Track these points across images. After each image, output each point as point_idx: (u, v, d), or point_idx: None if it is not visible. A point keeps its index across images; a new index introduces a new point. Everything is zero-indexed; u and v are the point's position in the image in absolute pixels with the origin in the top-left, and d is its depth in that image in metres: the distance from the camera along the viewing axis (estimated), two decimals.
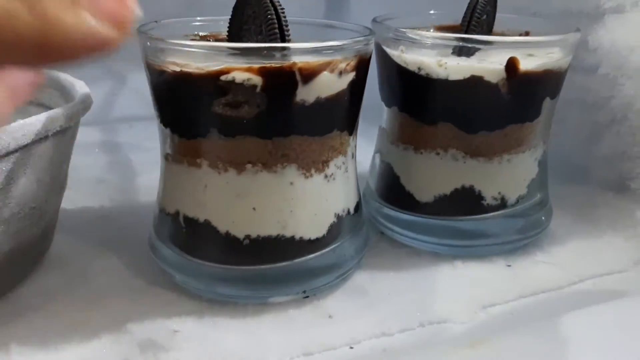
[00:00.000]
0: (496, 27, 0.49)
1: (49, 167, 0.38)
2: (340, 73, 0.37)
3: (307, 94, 0.36)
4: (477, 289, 0.42)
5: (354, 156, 0.42)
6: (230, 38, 0.40)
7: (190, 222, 0.39)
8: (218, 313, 0.39)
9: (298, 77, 0.35)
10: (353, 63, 0.37)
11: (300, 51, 0.35)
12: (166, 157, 0.40)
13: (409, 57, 0.43)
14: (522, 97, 0.43)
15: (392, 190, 0.47)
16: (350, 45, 0.37)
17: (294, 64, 0.35)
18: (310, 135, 0.38)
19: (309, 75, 0.35)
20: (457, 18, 0.51)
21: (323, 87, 0.36)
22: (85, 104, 0.41)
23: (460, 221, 0.45)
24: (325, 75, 0.36)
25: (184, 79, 0.36)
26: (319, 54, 0.36)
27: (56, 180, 0.40)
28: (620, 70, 0.51)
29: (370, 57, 0.40)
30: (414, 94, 0.44)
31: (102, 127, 0.72)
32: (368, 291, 0.42)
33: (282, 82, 0.35)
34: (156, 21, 0.42)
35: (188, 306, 0.39)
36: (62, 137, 0.39)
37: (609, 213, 0.52)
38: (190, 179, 0.38)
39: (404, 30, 0.43)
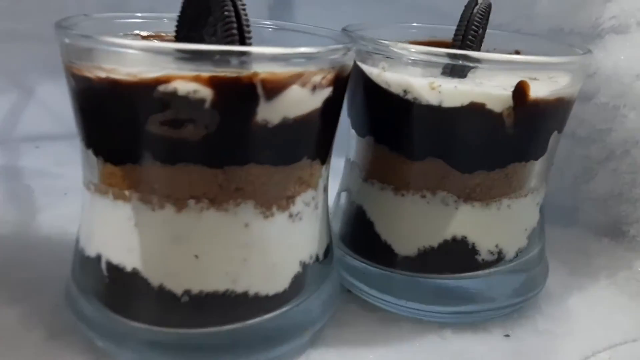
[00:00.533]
0: (483, 45, 0.41)
1: None
2: (314, 88, 0.29)
3: (271, 112, 0.28)
4: None
5: (325, 189, 0.35)
6: (177, 39, 0.31)
7: (115, 270, 0.31)
8: None
9: (260, 90, 0.28)
10: (330, 76, 0.30)
11: (264, 57, 0.28)
12: (88, 186, 0.32)
13: (393, 77, 0.34)
14: (530, 130, 0.35)
15: (364, 239, 0.38)
16: (327, 53, 0.29)
17: (255, 74, 0.27)
18: (274, 165, 0.30)
19: (275, 89, 0.28)
20: (437, 32, 0.44)
21: (291, 104, 0.29)
22: None
23: (449, 280, 0.36)
24: (295, 89, 0.28)
25: (111, 88, 0.28)
26: (288, 62, 0.28)
27: None
28: (622, 99, 0.44)
29: (350, 71, 0.32)
30: (396, 122, 0.35)
31: (1, 147, 0.59)
32: None
33: (239, 96, 0.28)
34: (85, 14, 0.34)
35: None
36: None
37: (606, 264, 0.45)
38: (116, 215, 0.30)
39: (387, 42, 0.34)
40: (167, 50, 0.27)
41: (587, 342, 0.37)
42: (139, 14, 0.37)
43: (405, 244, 0.37)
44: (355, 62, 0.36)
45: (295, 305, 0.33)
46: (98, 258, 0.32)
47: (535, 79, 0.35)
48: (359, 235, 0.39)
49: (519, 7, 0.50)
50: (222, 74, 0.27)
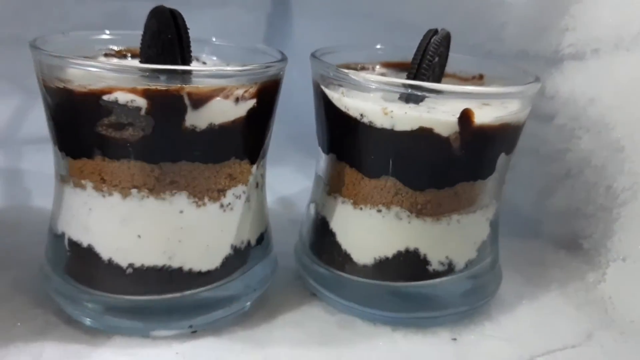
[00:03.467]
0: (448, 68, 0.44)
1: None
2: (237, 100, 0.35)
3: (197, 119, 0.34)
4: None
5: (259, 185, 0.39)
6: (141, 55, 0.37)
7: (74, 245, 0.37)
8: (94, 343, 0.36)
9: (187, 101, 0.33)
10: (253, 90, 0.35)
11: (189, 75, 0.33)
12: (56, 177, 0.38)
13: (351, 102, 0.38)
14: (476, 153, 0.38)
15: (327, 247, 0.42)
16: (247, 71, 0.35)
17: (182, 87, 0.33)
18: (203, 162, 0.35)
19: (199, 100, 0.33)
20: (407, 52, 0.47)
21: (216, 113, 0.34)
22: None
23: (402, 287, 0.40)
24: (218, 101, 0.34)
25: (67, 96, 0.34)
26: (208, 78, 0.34)
27: None
28: (578, 121, 0.47)
29: (278, 84, 0.37)
30: (354, 142, 0.39)
31: (4, 150, 0.63)
32: None
33: (169, 106, 0.33)
34: (62, 33, 0.40)
35: (62, 333, 0.37)
36: None
37: (560, 275, 0.48)
38: (76, 200, 0.36)
39: (346, 71, 0.37)
40: (110, 68, 0.32)
41: (528, 347, 0.39)
42: (112, 32, 0.43)
43: (363, 253, 0.40)
44: (319, 86, 0.40)
45: (225, 282, 0.38)
46: (62, 235, 0.37)
47: (487, 104, 0.38)
48: (323, 244, 0.42)
49: (491, 29, 0.53)
50: (154, 88, 0.32)
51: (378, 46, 0.47)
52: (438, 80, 0.41)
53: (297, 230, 0.47)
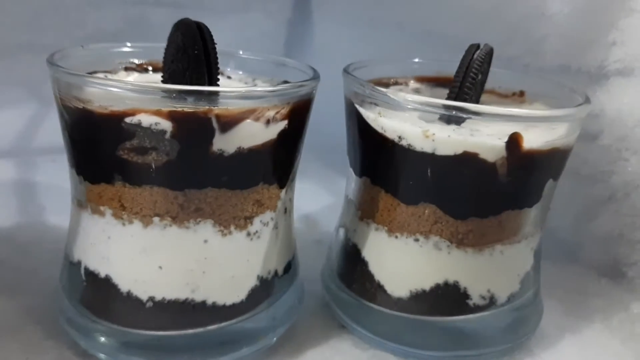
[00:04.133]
0: (488, 83, 0.41)
1: None
2: (268, 122, 0.32)
3: (226, 143, 0.31)
4: None
5: (287, 211, 0.37)
6: (164, 71, 0.35)
7: (91, 275, 0.34)
8: None
9: (215, 124, 0.31)
10: (285, 111, 0.33)
11: (217, 96, 0.30)
12: (73, 201, 0.36)
13: (388, 123, 0.35)
14: (523, 179, 0.35)
15: (358, 276, 0.39)
16: (280, 91, 0.32)
17: (210, 109, 0.30)
18: (230, 189, 0.33)
19: (228, 123, 0.31)
20: (442, 66, 0.44)
21: (246, 136, 0.32)
22: None
23: (439, 323, 0.37)
24: (248, 123, 0.31)
25: (87, 117, 0.31)
26: (240, 100, 0.31)
27: None
28: (625, 142, 0.44)
29: (310, 103, 0.35)
30: (391, 166, 0.36)
31: (17, 160, 0.61)
32: None
33: (196, 129, 0.31)
34: (82, 46, 0.38)
35: None
36: None
37: (602, 305, 0.45)
38: (94, 227, 0.34)
39: (384, 90, 0.35)
40: (133, 88, 0.30)
41: None
42: (133, 44, 0.41)
43: (398, 285, 0.37)
44: (353, 104, 0.37)
45: (251, 315, 0.35)
46: (78, 264, 0.35)
47: (534, 126, 0.35)
48: (354, 273, 0.39)
49: (530, 42, 0.50)
50: (180, 109, 0.30)
51: (416, 60, 0.44)
52: (479, 97, 0.39)
53: (322, 252, 0.44)
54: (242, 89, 0.32)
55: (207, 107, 0.30)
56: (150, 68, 0.41)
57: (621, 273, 0.47)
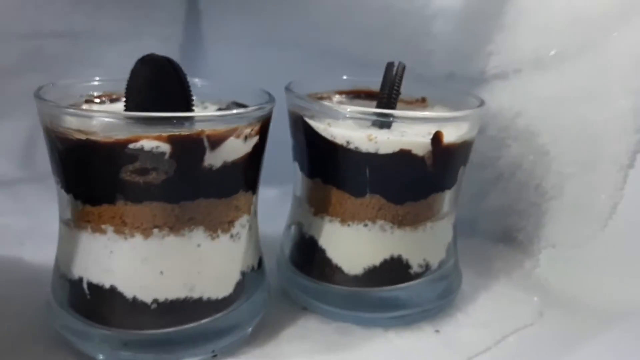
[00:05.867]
0: None
1: None
2: (246, 138, 0.38)
3: (214, 158, 0.37)
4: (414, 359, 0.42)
5: (256, 214, 0.43)
6: (128, 101, 0.39)
7: (95, 288, 0.38)
8: None
9: (206, 143, 0.36)
10: (257, 128, 0.39)
11: (208, 119, 0.37)
12: (67, 223, 0.39)
13: (337, 131, 0.42)
14: (444, 168, 0.44)
15: (317, 263, 0.46)
16: (254, 112, 0.38)
17: (202, 131, 0.36)
18: (217, 198, 0.38)
19: (217, 141, 0.37)
20: (356, 83, 0.52)
21: (230, 151, 0.38)
22: None
23: (390, 291, 0.45)
24: (231, 140, 0.37)
25: (91, 147, 0.35)
26: (225, 121, 0.37)
27: None
28: (507, 132, 0.55)
29: (270, 119, 0.41)
30: (341, 166, 0.43)
31: None
32: None
33: (191, 149, 0.36)
34: (52, 83, 0.41)
35: None
36: None
37: (503, 266, 0.56)
38: (95, 245, 0.38)
39: (330, 105, 0.42)
40: (137, 118, 0.35)
41: (497, 329, 0.46)
42: (97, 77, 0.45)
43: (353, 265, 0.45)
44: (302, 119, 0.44)
45: (238, 305, 0.41)
46: (80, 280, 0.39)
47: (444, 125, 0.44)
48: (313, 261, 0.46)
49: (420, 55, 0.59)
50: (177, 133, 0.35)
51: (344, 77, 0.52)
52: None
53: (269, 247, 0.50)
54: (228, 113, 0.38)
55: (200, 129, 0.36)
56: (107, 99, 0.45)
57: (513, 238, 0.58)
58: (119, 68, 0.43)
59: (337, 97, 0.52)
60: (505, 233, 0.59)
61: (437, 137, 0.42)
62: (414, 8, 0.58)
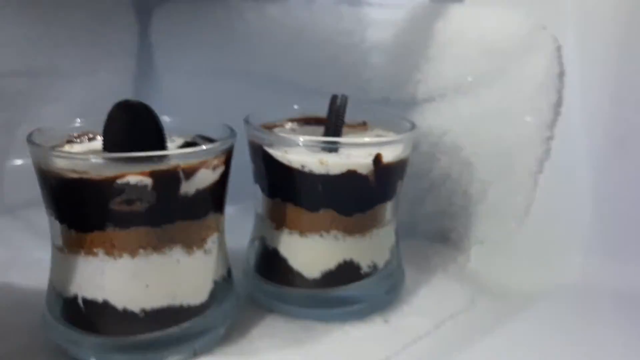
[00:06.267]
0: None
1: None
2: (214, 167, 0.45)
3: (188, 187, 0.44)
4: (368, 346, 0.50)
5: (223, 231, 0.50)
6: (106, 141, 0.45)
7: (89, 303, 0.44)
8: None
9: (181, 175, 0.43)
10: (222, 159, 0.46)
11: (183, 156, 0.44)
12: (60, 249, 0.45)
13: (293, 157, 0.50)
14: (384, 183, 0.52)
15: (280, 270, 0.53)
16: (221, 146, 0.46)
17: (178, 165, 0.43)
18: (192, 219, 0.45)
19: (190, 173, 0.43)
20: (304, 111, 0.60)
21: (201, 180, 0.44)
22: None
23: (344, 290, 0.53)
24: (202, 171, 0.44)
25: (84, 184, 0.41)
26: (197, 156, 0.44)
27: None
28: (436, 147, 0.64)
29: (232, 150, 0.48)
30: (297, 187, 0.51)
31: None
32: None
33: (169, 180, 0.43)
34: (39, 129, 0.47)
35: None
36: None
37: (439, 262, 0.64)
38: (88, 266, 0.44)
39: (286, 136, 0.50)
40: (124, 158, 0.42)
41: (436, 316, 0.54)
42: (78, 120, 0.51)
43: (312, 269, 0.52)
44: (262, 148, 0.52)
45: (212, 310, 0.47)
46: (75, 296, 0.45)
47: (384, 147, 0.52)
48: (276, 269, 0.53)
49: (359, 83, 0.67)
50: (157, 169, 0.42)
51: (295, 106, 0.59)
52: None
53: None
54: (198, 149, 0.45)
55: (177, 163, 0.43)
56: (86, 138, 0.51)
57: (447, 238, 0.67)
58: (78, 102, 0.47)
59: (289, 125, 0.59)
60: (440, 234, 0.67)
61: (377, 158, 0.50)
62: (353, 42, 0.67)
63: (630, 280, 0.56)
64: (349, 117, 0.59)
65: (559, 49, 0.57)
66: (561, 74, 0.57)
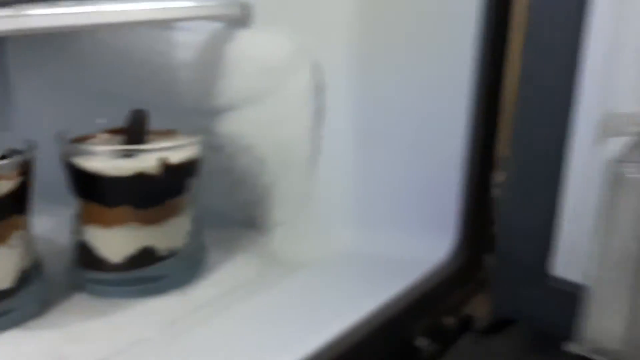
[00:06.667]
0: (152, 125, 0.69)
1: None
2: (12, 178, 0.56)
3: None
4: (163, 312, 0.62)
5: (29, 228, 0.60)
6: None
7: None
8: None
9: None
10: (20, 170, 0.56)
11: None
12: None
13: (94, 164, 0.61)
14: (173, 180, 0.64)
15: (91, 259, 0.64)
16: (15, 161, 0.57)
17: None
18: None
19: None
20: (113, 123, 0.70)
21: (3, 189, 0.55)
22: None
23: (145, 271, 0.64)
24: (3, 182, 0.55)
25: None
26: None
27: None
28: (236, 148, 0.76)
29: (32, 161, 0.58)
30: (99, 188, 0.62)
31: None
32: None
33: None
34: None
35: None
36: None
37: (244, 244, 0.77)
38: None
39: (88, 147, 0.61)
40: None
41: (229, 286, 0.67)
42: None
43: (117, 255, 0.63)
44: (69, 158, 0.62)
45: (21, 293, 0.58)
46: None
47: (176, 150, 0.64)
48: (89, 258, 0.64)
49: (173, 95, 0.78)
50: None
51: (102, 120, 0.70)
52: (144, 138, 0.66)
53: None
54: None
55: None
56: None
57: (253, 224, 0.79)
58: None
59: (103, 136, 0.70)
60: (249, 220, 0.79)
61: (162, 161, 0.62)
62: (167, 61, 0.78)
63: (380, 246, 0.72)
64: (161, 125, 0.71)
65: (316, 66, 0.71)
66: (319, 86, 0.71)
